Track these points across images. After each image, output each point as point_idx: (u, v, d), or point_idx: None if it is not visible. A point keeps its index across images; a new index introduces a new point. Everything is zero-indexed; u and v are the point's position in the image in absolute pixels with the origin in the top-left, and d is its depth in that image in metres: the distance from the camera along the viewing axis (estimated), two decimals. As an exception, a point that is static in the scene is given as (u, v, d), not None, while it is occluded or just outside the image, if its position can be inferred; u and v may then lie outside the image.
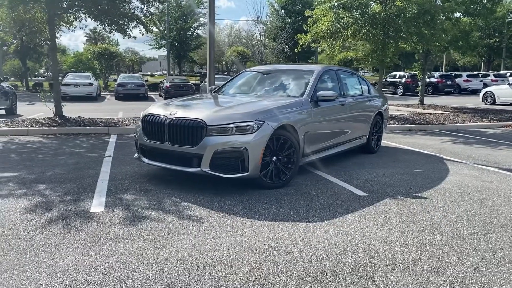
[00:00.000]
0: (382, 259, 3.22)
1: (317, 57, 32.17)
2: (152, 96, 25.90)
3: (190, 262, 3.09)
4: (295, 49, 16.16)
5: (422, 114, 14.78)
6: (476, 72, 33.50)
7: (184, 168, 4.82)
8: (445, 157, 7.55)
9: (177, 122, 4.78)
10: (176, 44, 35.84)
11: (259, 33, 25.61)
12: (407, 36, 12.08)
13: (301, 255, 3.26)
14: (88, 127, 9.67)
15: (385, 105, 8.30)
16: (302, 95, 5.81)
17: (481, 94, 21.36)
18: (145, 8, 10.85)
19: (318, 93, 5.80)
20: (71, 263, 3.03)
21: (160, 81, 27.55)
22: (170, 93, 23.56)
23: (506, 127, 12.51)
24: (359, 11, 11.94)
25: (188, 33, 34.81)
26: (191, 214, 4.13)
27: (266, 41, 26.32)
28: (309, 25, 13.41)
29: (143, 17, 11.13)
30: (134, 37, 11.34)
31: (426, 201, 4.79)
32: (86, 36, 66.76)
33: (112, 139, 8.77)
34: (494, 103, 20.26)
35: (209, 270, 2.98)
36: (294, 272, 2.97)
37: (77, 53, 48.86)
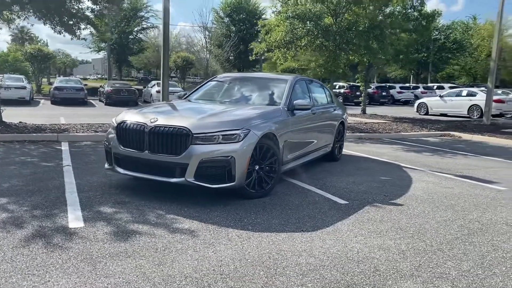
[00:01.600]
0: (387, 267, 3.27)
1: (261, 65, 32.64)
2: (91, 101, 24.60)
3: (200, 279, 2.92)
4: (250, 57, 16.21)
5: (367, 123, 15.47)
6: (407, 84, 35.84)
7: (166, 179, 4.58)
8: (402, 164, 7.93)
9: (159, 130, 4.54)
10: (116, 47, 34.46)
11: (205, 40, 25.44)
12: (357, 48, 12.61)
13: (309, 266, 3.22)
14: (34, 134, 8.93)
15: (346, 115, 8.57)
16: (278, 103, 5.81)
17: (415, 105, 22.86)
18: (97, 8, 10.30)
19: (294, 102, 5.84)
20: (69, 286, 2.73)
21: (100, 86, 26.28)
22: (112, 98, 22.56)
23: (444, 136, 13.46)
24: (312, 22, 12.26)
25: (130, 36, 33.68)
26: (181, 227, 3.93)
27: (211, 48, 26.14)
28: (263, 34, 13.54)
29: (93, 17, 10.57)
30: (84, 39, 10.72)
31: (403, 208, 4.97)
32: (11, 35, 62.04)
33: (64, 147, 8.17)
34: (427, 113, 21.77)
35: (223, 287, 2.84)
36: (310, 285, 2.92)
37: (2, 53, 45.23)
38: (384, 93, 31.20)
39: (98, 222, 3.95)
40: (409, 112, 22.70)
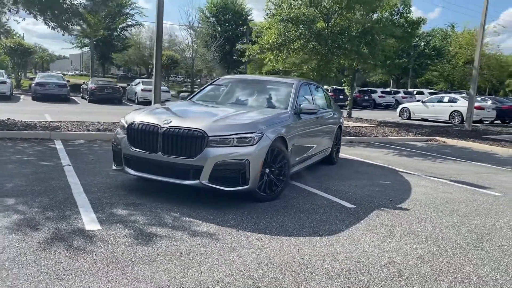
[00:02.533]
0: (410, 272, 3.34)
1: (246, 66, 32.66)
2: (73, 98, 24.06)
3: (232, 284, 2.92)
4: (243, 59, 16.21)
5: (354, 126, 15.68)
6: (388, 89, 36.50)
7: (180, 181, 4.54)
8: (397, 169, 8.09)
9: (173, 132, 4.50)
10: (100, 44, 33.79)
11: (191, 39, 25.26)
12: (348, 53, 12.78)
13: (336, 271, 3.25)
14: (26, 132, 8.68)
15: (342, 118, 8.67)
16: (286, 107, 5.84)
17: (398, 109, 23.31)
18: (89, 4, 10.10)
19: (301, 105, 5.88)
20: (103, 292, 2.68)
21: (84, 82, 25.73)
22: (96, 96, 22.15)
23: (431, 141, 13.78)
24: (305, 26, 12.36)
25: (114, 33, 33.13)
26: (199, 230, 3.91)
27: (197, 48, 25.98)
28: (254, 36, 13.58)
29: (85, 13, 10.36)
30: (78, 35, 10.48)
31: (410, 212, 5.07)
32: (-14, 28, 60.01)
33: (58, 145, 7.97)
34: (409, 118, 22.24)
35: (257, 291, 2.84)
36: (341, 289, 2.96)
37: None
38: (366, 97, 31.67)
39: (115, 225, 3.88)
40: (392, 116, 23.12)
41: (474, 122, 19.23)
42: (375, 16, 15.61)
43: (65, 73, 78.27)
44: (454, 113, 20.51)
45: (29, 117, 11.92)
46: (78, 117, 12.95)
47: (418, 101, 30.32)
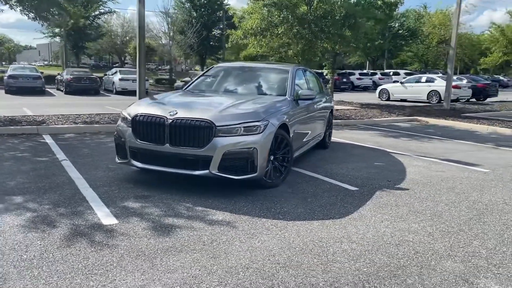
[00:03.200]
0: (424, 249, 3.50)
1: (224, 52, 32.39)
2: (48, 90, 23.38)
3: (261, 269, 3.00)
4: (226, 45, 16.05)
5: (338, 109, 15.87)
6: (366, 71, 36.97)
7: (189, 171, 4.57)
8: (387, 150, 8.29)
9: (180, 123, 4.50)
10: (73, 33, 32.72)
11: (168, 26, 24.80)
12: (331, 36, 12.87)
13: (355, 251, 3.38)
14: (12, 127, 8.46)
15: (333, 102, 8.80)
16: (284, 93, 5.90)
17: (378, 91, 23.69)
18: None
19: (299, 92, 5.95)
20: (138, 284, 2.72)
21: (58, 73, 25.01)
22: (72, 87, 21.63)
23: (413, 121, 14.12)
24: (289, 10, 12.35)
25: (87, 22, 32.17)
26: (215, 219, 3.97)
27: (173, 34, 25.55)
28: (238, 22, 13.49)
29: (63, 2, 10.06)
30: (60, 26, 10.17)
31: (410, 192, 5.25)
32: None
33: (49, 140, 7.82)
34: (388, 99, 22.66)
35: (286, 275, 2.94)
36: (364, 269, 3.09)
37: None
38: (344, 80, 32.01)
39: (131, 218, 3.90)
40: (372, 98, 23.48)
41: (452, 101, 19.75)
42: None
43: (33, 64, 75.80)
44: (432, 93, 21.00)
45: (7, 111, 11.59)
46: (58, 110, 12.68)
47: (395, 81, 30.93)
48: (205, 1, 33.43)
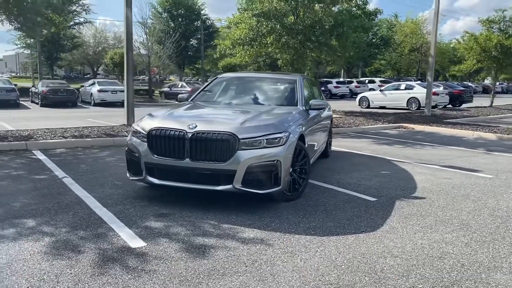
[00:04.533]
0: (469, 261, 3.43)
1: (203, 62, 32.12)
2: (23, 103, 22.47)
3: (316, 291, 2.85)
4: (214, 55, 15.87)
5: (324, 118, 15.95)
6: (342, 79, 37.49)
7: (211, 187, 4.37)
8: (387, 157, 8.31)
9: (201, 136, 4.30)
10: (47, 44, 31.66)
11: (146, 37, 24.35)
12: (319, 45, 12.93)
13: (403, 267, 3.28)
14: (-1, 143, 8.00)
15: (331, 111, 8.77)
16: (295, 104, 5.79)
17: (358, 99, 23.99)
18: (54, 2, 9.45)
19: (311, 101, 5.85)
20: (194, 314, 2.51)
21: (33, 86, 24.12)
22: (49, 99, 20.88)
23: (399, 128, 14.31)
24: (278, 20, 12.32)
25: (61, 32, 31.20)
26: (246, 237, 3.79)
27: (151, 45, 25.15)
28: (223, 32, 13.35)
29: (50, 13, 9.69)
30: (40, 37, 9.75)
31: (428, 201, 5.21)
32: None
33: (40, 155, 7.42)
34: (369, 106, 22.97)
35: (344, 296, 2.79)
36: (420, 286, 2.98)
37: None
38: (322, 88, 32.29)
39: (158, 239, 3.66)
40: (352, 105, 23.75)
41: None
42: (335, 9, 15.91)
43: (0, 75, 73.00)
44: (411, 100, 21.42)
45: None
46: (39, 123, 12.18)
47: (371, 89, 31.50)
48: (182, 11, 33.16)
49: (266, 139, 4.42)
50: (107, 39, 59.35)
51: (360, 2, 18.01)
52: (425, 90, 20.31)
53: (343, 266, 3.25)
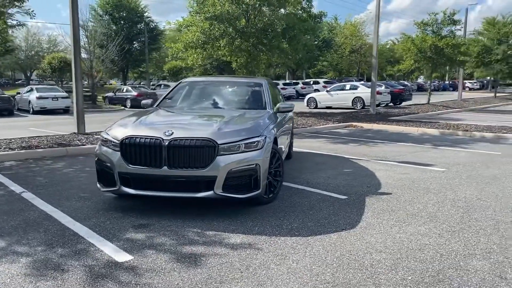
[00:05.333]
0: (446, 251, 3.65)
1: (148, 65, 31.30)
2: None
3: (316, 291, 2.91)
4: (166, 58, 15.49)
5: (277, 119, 16.19)
6: (288, 81, 38.21)
7: (191, 194, 4.31)
8: (345, 156, 8.62)
9: (179, 143, 4.22)
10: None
11: (88, 40, 23.28)
12: (271, 48, 13.12)
13: (390, 261, 3.43)
14: None
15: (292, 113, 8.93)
16: (264, 107, 5.84)
17: (305, 100, 24.58)
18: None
19: (278, 105, 5.94)
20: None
21: (-38, 94, 22.15)
22: (-19, 109, 19.35)
23: (349, 127, 14.87)
24: (230, 23, 12.35)
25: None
26: (234, 243, 3.78)
27: (93, 49, 24.11)
28: (173, 35, 13.15)
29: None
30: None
31: (394, 196, 5.48)
32: None
33: (-12, 170, 6.88)
34: (316, 107, 23.62)
35: (343, 294, 2.88)
36: (409, 278, 3.14)
37: None
38: (270, 90, 32.71)
39: (144, 251, 3.55)
40: (301, 106, 24.23)
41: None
42: (282, 11, 16.24)
43: None
44: (356, 99, 22.32)
45: None
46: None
47: (316, 90, 32.43)
48: (124, 14, 32.08)
49: (244, 144, 4.43)
50: (41, 43, 56.17)
51: (305, 6, 18.55)
52: (368, 90, 21.27)
53: (334, 264, 3.35)
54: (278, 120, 5.90)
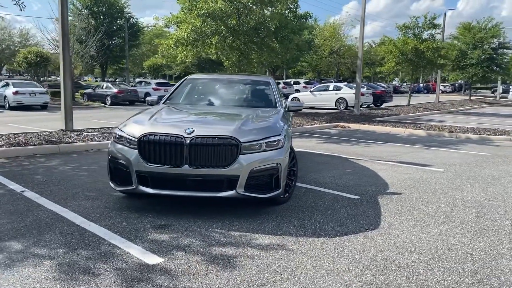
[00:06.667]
0: (475, 251, 3.68)
1: (128, 61, 30.61)
2: None
3: (362, 293, 2.86)
4: (156, 55, 15.16)
5: (264, 118, 16.13)
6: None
7: (213, 194, 4.18)
8: (343, 156, 8.65)
9: (201, 141, 4.09)
10: None
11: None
12: (261, 47, 13.05)
13: (423, 261, 3.42)
14: None
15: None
16: (275, 105, 5.77)
17: (289, 99, 24.63)
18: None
19: (288, 103, 5.87)
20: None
21: None
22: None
23: (337, 127, 14.97)
24: (222, 21, 12.20)
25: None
26: (262, 244, 3.69)
27: (72, 43, 23.33)
28: (160, 32, 12.91)
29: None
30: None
31: (405, 196, 5.50)
32: None
33: (-21, 168, 6.53)
34: (300, 107, 23.68)
35: (390, 295, 2.84)
36: (449, 278, 3.13)
37: None
38: (251, 89, 32.68)
39: (174, 253, 3.42)
40: (284, 106, 24.34)
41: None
42: (270, 10, 16.19)
43: None
44: (339, 100, 22.53)
45: None
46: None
47: (296, 90, 32.60)
48: (104, 9, 31.25)
49: (266, 142, 4.34)
50: (12, 36, 54.22)
51: (292, 6, 18.57)
52: (352, 91, 21.52)
53: (370, 266, 3.31)
54: (289, 118, 5.83)
